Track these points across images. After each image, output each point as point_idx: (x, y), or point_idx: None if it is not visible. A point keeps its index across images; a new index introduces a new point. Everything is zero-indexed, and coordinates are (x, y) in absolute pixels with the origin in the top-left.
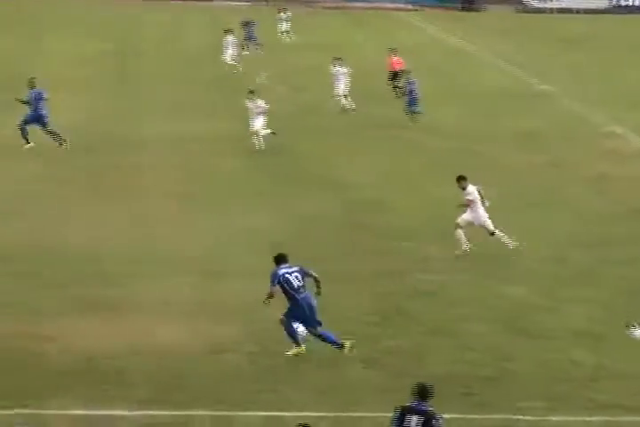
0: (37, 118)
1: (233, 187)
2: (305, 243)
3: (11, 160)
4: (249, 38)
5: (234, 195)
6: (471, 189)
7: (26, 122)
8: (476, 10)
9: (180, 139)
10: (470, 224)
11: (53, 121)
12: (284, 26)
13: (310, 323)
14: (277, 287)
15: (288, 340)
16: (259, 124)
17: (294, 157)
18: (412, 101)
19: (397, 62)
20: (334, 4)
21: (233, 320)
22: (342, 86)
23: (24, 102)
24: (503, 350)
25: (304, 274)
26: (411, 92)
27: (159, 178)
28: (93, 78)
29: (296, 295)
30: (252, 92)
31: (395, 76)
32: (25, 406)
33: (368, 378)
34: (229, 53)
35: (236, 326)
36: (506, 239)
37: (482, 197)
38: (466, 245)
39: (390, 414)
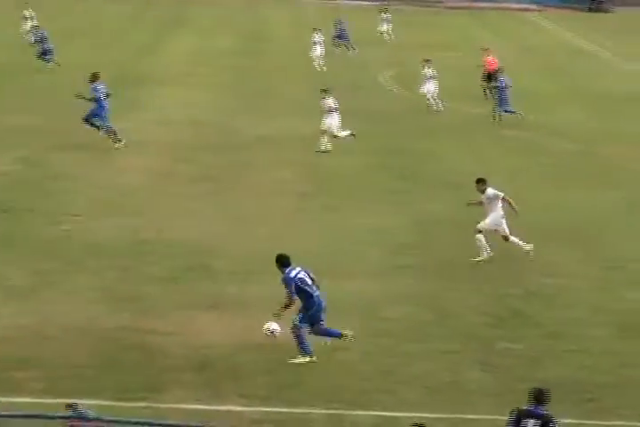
0: (101, 111)
1: (352, 186)
2: (426, 243)
3: (136, 156)
4: (339, 38)
5: (353, 194)
6: (490, 192)
7: (105, 119)
8: (604, 11)
9: (300, 137)
10: (492, 227)
11: (179, 118)
12: (385, 26)
13: (316, 320)
14: (294, 295)
15: (298, 348)
16: (331, 123)
17: (412, 157)
18: (503, 101)
19: (492, 62)
20: (458, 4)
21: (349, 319)
22: (432, 87)
23: (89, 99)
24: (622, 355)
25: (308, 271)
26: (501, 91)
27: (279, 176)
28: (217, 76)
29: (312, 292)
30: (324, 90)
31: (489, 76)
32: (143, 399)
33: (484, 380)
34: (318, 51)
35: (352, 324)
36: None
37: (512, 206)
38: (487, 251)
39: (506, 418)
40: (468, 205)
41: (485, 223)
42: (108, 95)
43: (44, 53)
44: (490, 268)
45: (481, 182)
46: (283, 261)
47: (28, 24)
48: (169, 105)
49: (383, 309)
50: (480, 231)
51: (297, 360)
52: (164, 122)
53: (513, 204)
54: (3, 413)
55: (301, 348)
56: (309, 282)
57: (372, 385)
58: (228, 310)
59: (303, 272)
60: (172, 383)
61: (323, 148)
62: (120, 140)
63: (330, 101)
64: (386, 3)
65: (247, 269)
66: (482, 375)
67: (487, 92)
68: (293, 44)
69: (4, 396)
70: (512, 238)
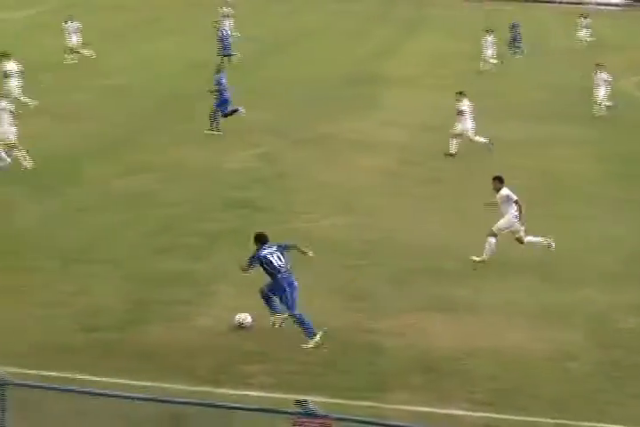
0: (224, 102)
1: (583, 193)
2: None
3: (366, 156)
4: (513, 40)
5: (584, 201)
6: (507, 192)
7: (220, 108)
8: None
9: (529, 141)
10: (521, 225)
11: (411, 119)
12: (583, 32)
13: (287, 303)
14: (252, 267)
15: (266, 308)
16: (465, 127)
17: None
18: None
19: None
20: None
21: (580, 328)
22: (602, 93)
23: (212, 91)
24: None
25: (284, 250)
26: None
27: (508, 181)
28: (453, 78)
29: (276, 274)
30: (460, 93)
31: None
32: (367, 399)
33: None
34: (489, 53)
35: (583, 333)
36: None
37: (521, 212)
38: (488, 255)
39: None
40: (485, 205)
41: (499, 225)
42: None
43: (224, 48)
44: None
45: (497, 180)
46: (261, 240)
47: (227, 22)
48: (403, 106)
49: (614, 319)
50: (494, 235)
51: (309, 345)
52: (396, 123)
53: (522, 210)
54: (234, 405)
55: (270, 308)
56: (275, 264)
57: (601, 396)
58: (457, 314)
59: (277, 253)
60: (398, 384)
61: (452, 151)
62: (217, 130)
63: (463, 103)
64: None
65: (478, 272)
66: None
67: None
68: (535, 49)
69: (234, 389)
70: (528, 239)
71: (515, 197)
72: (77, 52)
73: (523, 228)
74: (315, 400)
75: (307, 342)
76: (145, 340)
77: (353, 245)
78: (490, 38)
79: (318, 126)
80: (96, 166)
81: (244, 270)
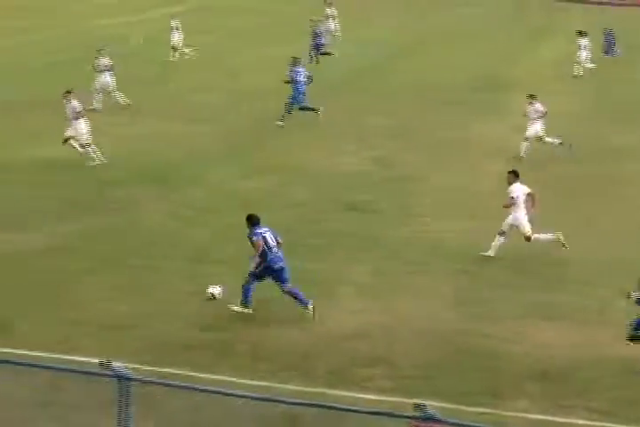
0: (300, 94)
1: None
2: None
3: (489, 161)
4: (608, 47)
5: None
6: (515, 188)
7: (300, 100)
8: None
9: None
10: (512, 227)
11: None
12: None
13: (278, 280)
14: (262, 243)
15: (242, 297)
16: (534, 129)
17: None
18: None
19: None
20: None
21: None
22: None
23: (287, 82)
24: None
25: (277, 236)
26: None
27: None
28: (581, 83)
29: (268, 253)
30: (531, 95)
31: None
32: (483, 405)
33: None
34: (583, 56)
35: None
36: (548, 237)
37: (532, 202)
38: (493, 252)
39: None
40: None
41: (523, 228)
42: (309, 78)
43: (316, 48)
44: None
45: (512, 174)
46: (252, 220)
47: (331, 23)
48: None
49: None
50: (529, 238)
51: (235, 308)
52: (522, 128)
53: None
54: (351, 407)
55: (243, 298)
56: (270, 243)
57: None
58: (573, 321)
59: (269, 233)
60: (514, 391)
61: (522, 154)
62: (317, 112)
63: (538, 106)
64: None
65: (600, 280)
66: None
67: None
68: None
69: (350, 391)
70: (535, 237)
71: (512, 196)
72: (178, 50)
73: (527, 226)
74: (430, 404)
75: (235, 304)
76: (262, 340)
77: (468, 250)
78: (584, 41)
79: (443, 131)
80: (219, 168)
81: (261, 255)
